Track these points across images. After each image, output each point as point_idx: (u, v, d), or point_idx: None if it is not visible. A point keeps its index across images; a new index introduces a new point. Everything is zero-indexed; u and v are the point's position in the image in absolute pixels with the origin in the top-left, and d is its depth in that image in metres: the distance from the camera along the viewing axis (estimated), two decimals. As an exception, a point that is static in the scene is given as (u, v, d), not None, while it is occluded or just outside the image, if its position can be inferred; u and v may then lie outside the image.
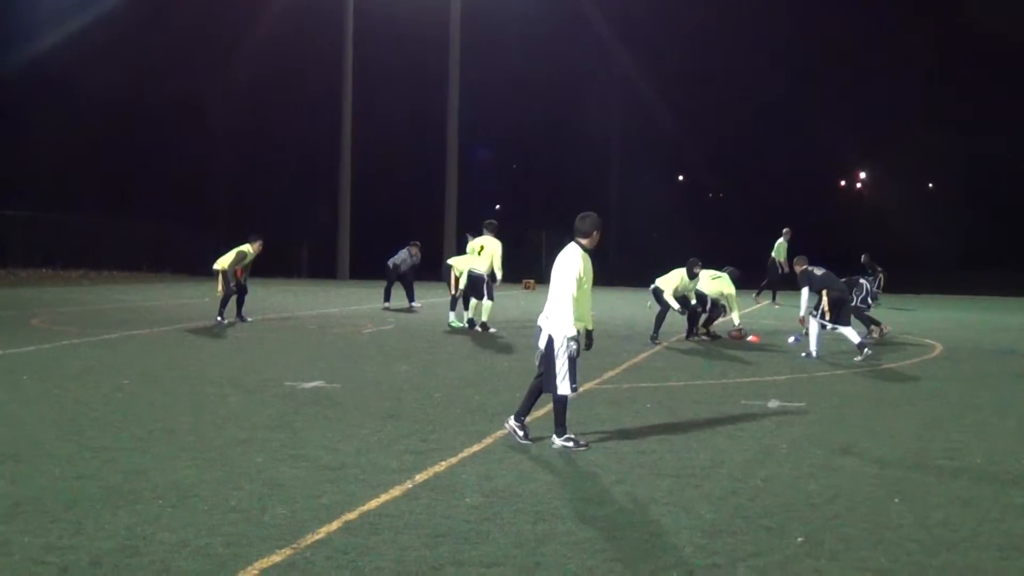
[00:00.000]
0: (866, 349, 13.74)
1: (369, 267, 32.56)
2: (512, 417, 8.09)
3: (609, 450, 7.73)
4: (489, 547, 5.35)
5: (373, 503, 6.11)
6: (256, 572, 4.93)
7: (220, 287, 17.65)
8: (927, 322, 21.24)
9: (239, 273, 17.68)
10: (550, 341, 7.81)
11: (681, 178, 62.94)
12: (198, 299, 24.05)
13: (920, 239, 44.36)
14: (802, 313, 14.37)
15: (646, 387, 11.11)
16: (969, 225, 46.92)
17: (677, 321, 16.63)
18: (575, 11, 47.09)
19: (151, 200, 43.93)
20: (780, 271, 25.17)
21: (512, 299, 25.60)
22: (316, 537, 5.43)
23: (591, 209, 8.40)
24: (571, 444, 7.73)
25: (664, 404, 9.93)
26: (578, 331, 7.76)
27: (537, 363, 8.02)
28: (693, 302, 16.17)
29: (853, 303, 15.26)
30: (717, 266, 16.88)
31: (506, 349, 14.72)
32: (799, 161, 53.82)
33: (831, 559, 5.27)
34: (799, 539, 5.58)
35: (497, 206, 55.48)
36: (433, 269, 25.30)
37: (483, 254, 16.80)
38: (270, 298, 24.65)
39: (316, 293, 29.28)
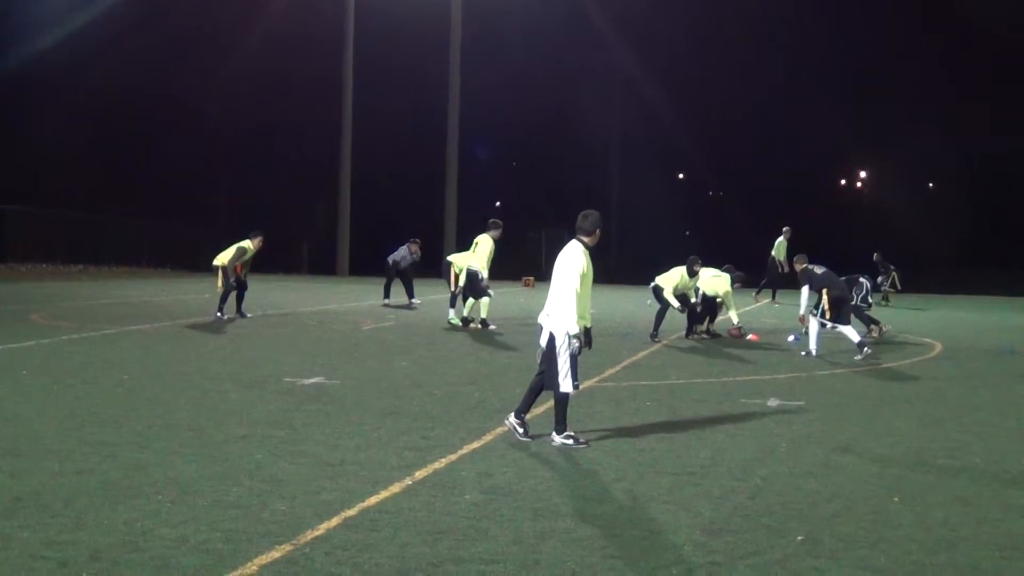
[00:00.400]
0: (866, 348, 13.74)
1: (369, 264, 32.55)
2: (512, 414, 8.09)
3: (609, 448, 7.73)
4: (488, 544, 5.35)
5: (373, 499, 6.11)
6: (255, 568, 4.93)
7: (220, 283, 17.66)
8: (927, 322, 21.23)
9: (239, 269, 17.69)
10: (551, 339, 7.81)
11: (681, 176, 62.95)
12: (198, 295, 24.05)
13: (920, 239, 44.34)
14: (802, 312, 14.36)
15: (646, 385, 11.11)
16: (969, 225, 46.91)
17: (677, 319, 16.63)
18: (576, 10, 47.08)
19: (152, 196, 43.99)
20: (780, 270, 25.15)
21: (512, 296, 25.59)
22: (316, 533, 5.43)
23: (591, 207, 8.41)
24: (571, 442, 7.73)
25: (664, 402, 9.93)
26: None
27: (538, 361, 8.02)
28: (693, 300, 16.18)
29: (853, 302, 15.26)
30: (717, 264, 16.89)
31: (506, 346, 14.72)
32: (799, 160, 53.82)
33: (831, 558, 5.27)
34: (799, 538, 5.58)
35: (497, 203, 55.48)
36: (433, 266, 25.29)
37: (477, 251, 16.92)
38: (270, 294, 24.62)
39: (316, 289, 29.28)
